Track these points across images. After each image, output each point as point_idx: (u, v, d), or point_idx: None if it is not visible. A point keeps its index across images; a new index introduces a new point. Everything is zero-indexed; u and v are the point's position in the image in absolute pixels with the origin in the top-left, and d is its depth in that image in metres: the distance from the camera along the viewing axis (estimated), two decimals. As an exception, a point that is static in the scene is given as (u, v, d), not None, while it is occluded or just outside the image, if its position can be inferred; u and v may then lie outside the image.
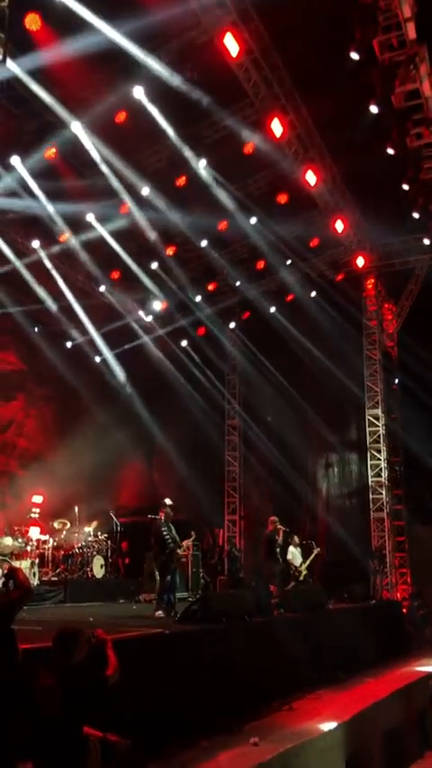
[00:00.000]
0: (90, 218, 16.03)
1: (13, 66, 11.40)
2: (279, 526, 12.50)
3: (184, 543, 10.73)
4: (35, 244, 16.46)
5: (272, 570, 12.32)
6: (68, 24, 10.90)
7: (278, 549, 12.39)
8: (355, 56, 11.08)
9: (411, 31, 11.40)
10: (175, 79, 12.08)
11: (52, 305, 17.42)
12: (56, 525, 15.22)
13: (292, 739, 6.78)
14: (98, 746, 4.29)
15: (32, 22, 10.78)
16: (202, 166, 14.71)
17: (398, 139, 13.11)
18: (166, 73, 12.05)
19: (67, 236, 16.17)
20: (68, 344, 18.71)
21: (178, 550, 10.13)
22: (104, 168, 14.45)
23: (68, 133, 13.35)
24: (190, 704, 6.74)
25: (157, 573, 10.60)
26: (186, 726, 6.53)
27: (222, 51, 11.72)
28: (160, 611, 9.81)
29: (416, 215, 15.56)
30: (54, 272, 17.18)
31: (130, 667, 4.88)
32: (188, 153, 14.33)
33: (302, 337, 18.84)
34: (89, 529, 15.59)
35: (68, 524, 15.42)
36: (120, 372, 19.04)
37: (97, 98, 12.68)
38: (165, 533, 10.12)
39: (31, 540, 13.97)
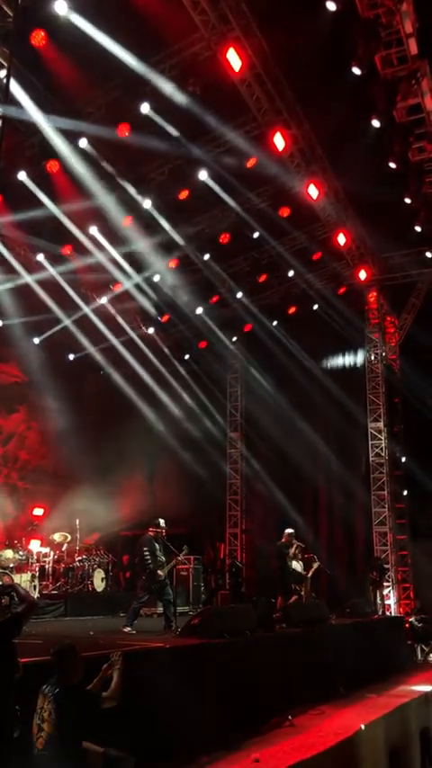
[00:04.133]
0: (93, 230, 16.08)
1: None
2: (294, 540, 12.49)
3: (174, 559, 10.60)
4: (39, 257, 16.53)
5: (281, 582, 12.29)
6: (73, 40, 11.01)
7: (289, 563, 12.35)
8: (357, 71, 11.16)
9: (413, 47, 11.54)
10: (177, 96, 12.18)
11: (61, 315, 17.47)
12: (56, 538, 15.16)
13: (293, 755, 6.68)
14: (99, 762, 4.26)
15: (38, 38, 10.91)
16: (203, 179, 14.77)
17: (400, 153, 13.20)
18: (168, 88, 12.16)
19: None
20: (71, 357, 18.74)
21: (159, 571, 9.99)
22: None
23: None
24: (190, 719, 6.67)
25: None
26: (186, 742, 6.46)
27: (225, 66, 11.82)
28: (129, 627, 9.68)
29: (418, 228, 15.64)
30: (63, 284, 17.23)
31: (129, 682, 4.85)
32: (190, 167, 14.40)
33: (304, 350, 18.86)
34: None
35: (69, 537, 15.37)
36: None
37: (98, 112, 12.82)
38: (146, 552, 9.99)
39: (32, 552, 13.92)
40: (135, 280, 17.88)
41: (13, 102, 11.46)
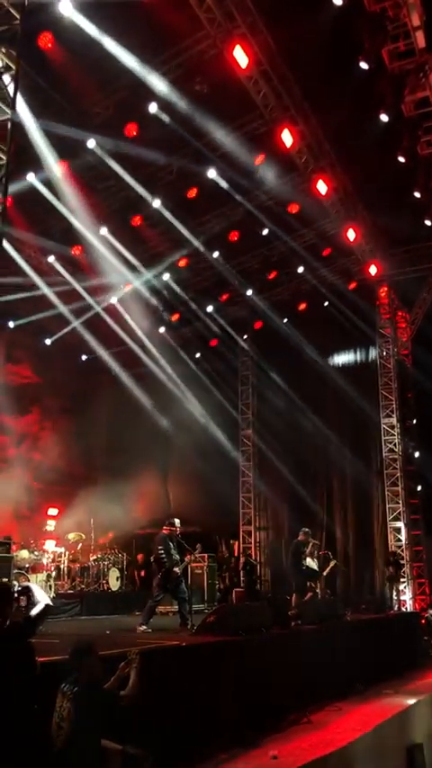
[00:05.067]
0: (103, 231, 16.13)
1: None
2: (310, 539, 12.51)
3: (188, 557, 10.62)
4: (50, 258, 16.60)
5: (297, 580, 12.30)
6: (78, 42, 11.04)
7: (304, 560, 12.36)
8: (364, 65, 11.11)
9: (420, 40, 11.44)
10: (180, 100, 12.21)
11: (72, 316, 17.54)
12: (71, 538, 15.23)
13: (311, 752, 6.68)
14: (118, 759, 4.28)
15: (45, 40, 10.96)
16: (211, 177, 14.77)
17: (409, 147, 13.11)
18: (175, 87, 12.18)
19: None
20: (83, 357, 18.81)
21: (175, 568, 10.03)
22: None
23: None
24: (207, 717, 6.68)
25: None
26: (204, 739, 6.47)
27: (231, 64, 11.80)
28: (145, 626, 9.70)
29: (428, 222, 15.56)
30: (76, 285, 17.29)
31: (146, 680, 4.87)
32: (198, 164, 14.39)
33: (315, 347, 18.81)
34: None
35: (83, 537, 15.43)
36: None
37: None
38: (160, 551, 10.03)
39: (47, 552, 13.99)
40: (145, 279, 17.93)
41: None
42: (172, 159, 14.46)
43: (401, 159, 13.23)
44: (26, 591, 4.94)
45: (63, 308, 17.43)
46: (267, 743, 6.99)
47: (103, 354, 18.86)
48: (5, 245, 10.31)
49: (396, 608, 15.74)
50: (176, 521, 10.51)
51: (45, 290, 16.73)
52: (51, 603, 4.53)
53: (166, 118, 12.83)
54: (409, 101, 12.55)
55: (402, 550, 17.43)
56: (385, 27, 10.97)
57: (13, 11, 9.15)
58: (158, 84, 12.18)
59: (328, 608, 11.69)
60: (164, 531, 10.37)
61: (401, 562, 17.02)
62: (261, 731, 7.26)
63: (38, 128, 12.65)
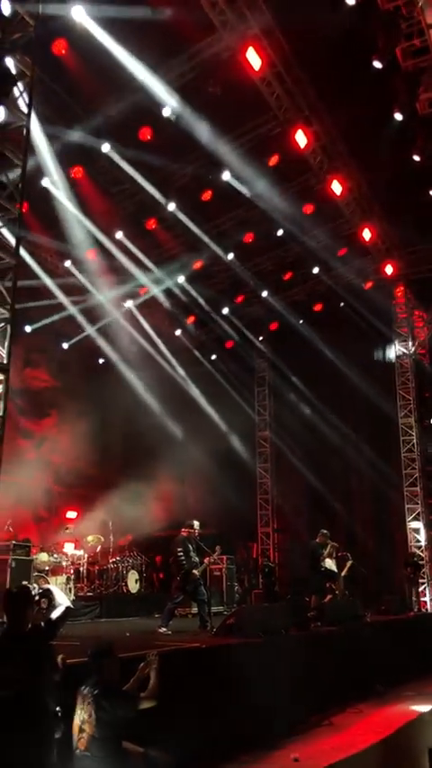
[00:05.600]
0: (119, 235, 16.20)
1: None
2: (328, 540, 12.47)
3: (207, 560, 10.60)
4: (67, 263, 16.71)
5: (315, 582, 12.27)
6: (92, 47, 11.13)
7: (323, 562, 12.33)
8: (377, 64, 11.07)
9: (434, 37, 11.38)
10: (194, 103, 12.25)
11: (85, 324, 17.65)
12: (90, 540, 15.28)
13: (332, 755, 6.66)
14: (140, 762, 4.29)
15: (59, 46, 11.05)
16: (225, 179, 14.78)
17: (423, 146, 13.05)
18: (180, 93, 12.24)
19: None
20: (100, 361, 18.90)
21: (194, 570, 10.02)
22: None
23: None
24: (227, 719, 6.68)
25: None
26: (225, 741, 6.47)
27: (245, 65, 11.81)
28: (165, 628, 9.71)
29: (444, 220, 15.45)
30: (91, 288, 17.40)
31: (167, 681, 4.88)
32: (212, 167, 14.42)
33: (331, 347, 18.75)
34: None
35: (102, 539, 15.48)
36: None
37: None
38: (179, 553, 10.04)
39: (66, 555, 14.05)
40: (161, 282, 17.99)
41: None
42: (186, 162, 14.49)
43: (416, 158, 13.16)
44: (46, 593, 4.96)
45: (78, 314, 17.51)
46: (288, 745, 6.97)
47: (120, 357, 18.94)
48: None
49: (416, 609, 15.63)
50: (196, 522, 10.50)
51: (62, 299, 16.85)
52: (71, 606, 4.55)
53: (179, 121, 12.85)
54: (423, 99, 12.47)
55: (422, 551, 17.31)
56: (399, 25, 10.93)
57: (27, 18, 9.25)
58: (172, 87, 12.24)
59: (347, 609, 11.64)
60: (183, 533, 10.37)
61: (420, 563, 16.91)
62: (282, 733, 7.25)
63: (52, 133, 12.74)
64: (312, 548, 12.59)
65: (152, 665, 4.79)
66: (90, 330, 18.02)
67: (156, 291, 18.40)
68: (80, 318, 17.66)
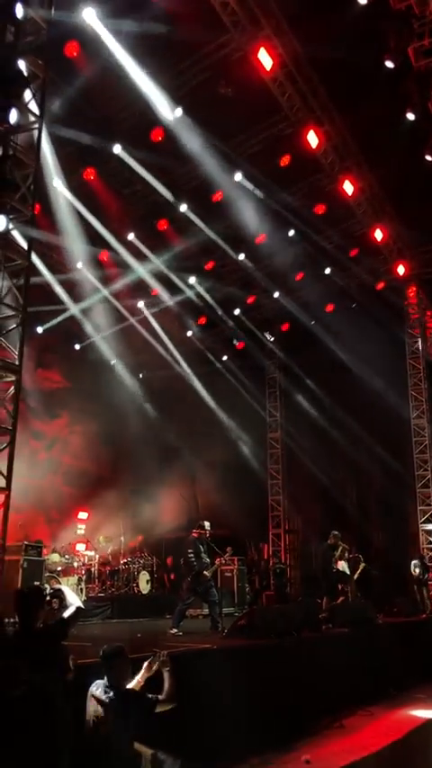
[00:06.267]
0: (131, 237, 16.24)
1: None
2: (340, 542, 12.43)
3: (218, 561, 10.58)
4: (79, 265, 16.77)
5: (327, 583, 12.23)
6: (103, 49, 11.17)
7: (335, 564, 12.29)
8: (389, 64, 11.04)
9: (447, 37, 11.32)
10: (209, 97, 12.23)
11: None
12: (101, 541, 15.32)
13: (344, 757, 6.62)
14: (148, 764, 4.28)
15: (71, 49, 11.10)
16: (237, 180, 14.77)
17: (436, 145, 13.00)
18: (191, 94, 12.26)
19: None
20: (112, 362, 18.96)
21: (205, 572, 10.01)
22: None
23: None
24: (239, 720, 6.66)
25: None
26: (236, 743, 6.45)
27: (256, 66, 11.80)
28: (176, 629, 9.69)
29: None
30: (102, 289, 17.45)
31: (178, 683, 4.87)
32: (224, 167, 14.41)
33: (343, 347, 18.69)
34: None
35: (113, 540, 15.51)
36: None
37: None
38: (190, 554, 10.03)
39: (78, 556, 14.09)
40: (172, 282, 18.01)
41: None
42: (198, 163, 14.48)
43: (429, 158, 13.11)
44: (58, 594, 4.98)
45: (88, 316, 17.59)
46: (300, 747, 6.94)
47: (131, 358, 19.01)
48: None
49: (428, 611, 15.53)
50: (206, 523, 10.50)
51: (73, 301, 16.93)
52: (82, 606, 4.56)
53: (191, 122, 12.86)
54: (435, 99, 12.42)
55: (434, 553, 17.21)
56: (411, 24, 10.89)
57: (40, 21, 9.30)
58: (182, 89, 12.26)
59: (359, 611, 11.57)
60: (193, 535, 10.38)
61: (430, 565, 16.79)
62: (293, 735, 7.22)
63: (63, 135, 12.79)
64: (323, 549, 12.56)
65: (165, 666, 4.78)
66: (101, 331, 18.06)
67: (166, 292, 18.41)
68: (90, 320, 17.71)
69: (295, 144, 13.69)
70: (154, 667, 4.76)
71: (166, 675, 4.71)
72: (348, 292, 18.66)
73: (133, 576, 15.03)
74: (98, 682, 4.47)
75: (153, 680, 4.77)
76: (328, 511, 18.60)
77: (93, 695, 4.39)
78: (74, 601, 4.55)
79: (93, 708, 4.35)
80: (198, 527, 10.46)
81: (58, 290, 16.59)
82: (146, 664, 4.81)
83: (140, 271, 17.13)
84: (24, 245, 9.40)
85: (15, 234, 9.33)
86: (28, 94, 9.46)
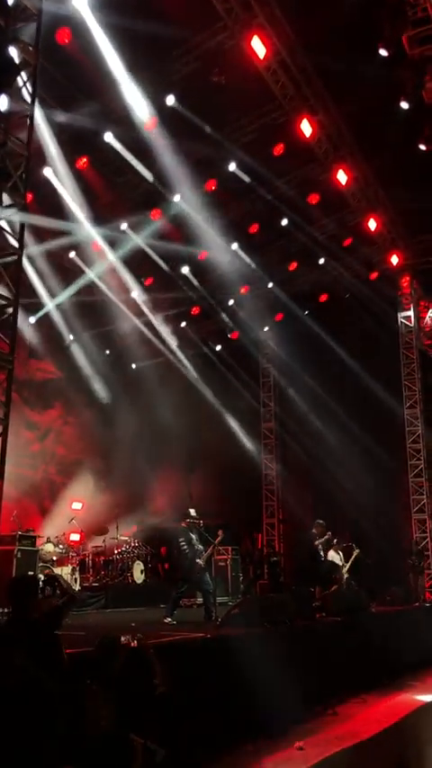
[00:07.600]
0: (124, 226, 16.16)
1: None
2: (325, 530, 12.46)
3: (210, 548, 10.60)
4: (71, 254, 16.69)
5: (315, 572, 12.27)
6: (95, 36, 11.08)
7: (321, 551, 12.32)
8: (383, 52, 10.97)
9: (442, 25, 11.24)
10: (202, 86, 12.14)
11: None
12: (95, 531, 15.32)
13: (337, 744, 6.68)
14: (140, 753, 4.29)
15: (63, 35, 11.00)
16: (231, 169, 14.70)
17: (429, 135, 12.92)
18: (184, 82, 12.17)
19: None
20: (107, 352, 18.92)
21: (198, 560, 10.03)
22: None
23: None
24: (232, 708, 6.70)
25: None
26: (229, 730, 6.49)
27: (249, 54, 11.72)
28: (170, 618, 9.71)
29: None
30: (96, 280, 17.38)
31: (171, 672, 4.89)
32: (217, 156, 14.33)
33: (336, 338, 18.69)
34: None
35: (107, 530, 15.52)
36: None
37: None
38: (182, 543, 10.06)
39: (72, 546, 14.10)
40: (165, 272, 17.95)
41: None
42: (191, 152, 14.39)
43: (423, 147, 13.05)
44: (51, 583, 4.98)
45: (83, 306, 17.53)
46: (293, 734, 6.98)
47: (127, 347, 18.98)
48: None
49: (421, 600, 15.64)
50: (191, 511, 10.50)
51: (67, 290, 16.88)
52: (76, 595, 4.56)
53: (184, 110, 12.77)
54: (430, 88, 12.31)
55: (427, 542, 17.30)
56: (405, 12, 10.78)
57: (31, 8, 9.20)
58: (176, 76, 12.18)
59: (352, 600, 11.64)
60: (183, 524, 10.41)
61: (425, 553, 16.91)
62: (287, 723, 7.27)
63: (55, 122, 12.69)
64: (308, 538, 12.56)
65: (148, 652, 4.70)
66: (95, 321, 18.02)
67: (159, 282, 18.35)
68: (85, 310, 17.66)
69: (289, 133, 13.61)
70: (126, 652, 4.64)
71: (155, 663, 4.62)
72: (342, 282, 18.62)
73: (127, 566, 15.05)
74: (95, 672, 4.40)
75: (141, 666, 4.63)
76: (322, 500, 18.63)
77: (87, 685, 4.37)
78: (67, 590, 4.56)
79: (88, 697, 4.33)
80: (185, 516, 10.48)
81: (51, 280, 16.48)
82: (120, 646, 4.76)
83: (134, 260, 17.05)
84: (17, 233, 9.33)
85: (4, 224, 9.25)
86: (19, 81, 9.37)
